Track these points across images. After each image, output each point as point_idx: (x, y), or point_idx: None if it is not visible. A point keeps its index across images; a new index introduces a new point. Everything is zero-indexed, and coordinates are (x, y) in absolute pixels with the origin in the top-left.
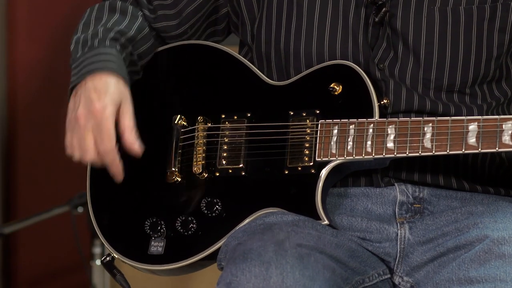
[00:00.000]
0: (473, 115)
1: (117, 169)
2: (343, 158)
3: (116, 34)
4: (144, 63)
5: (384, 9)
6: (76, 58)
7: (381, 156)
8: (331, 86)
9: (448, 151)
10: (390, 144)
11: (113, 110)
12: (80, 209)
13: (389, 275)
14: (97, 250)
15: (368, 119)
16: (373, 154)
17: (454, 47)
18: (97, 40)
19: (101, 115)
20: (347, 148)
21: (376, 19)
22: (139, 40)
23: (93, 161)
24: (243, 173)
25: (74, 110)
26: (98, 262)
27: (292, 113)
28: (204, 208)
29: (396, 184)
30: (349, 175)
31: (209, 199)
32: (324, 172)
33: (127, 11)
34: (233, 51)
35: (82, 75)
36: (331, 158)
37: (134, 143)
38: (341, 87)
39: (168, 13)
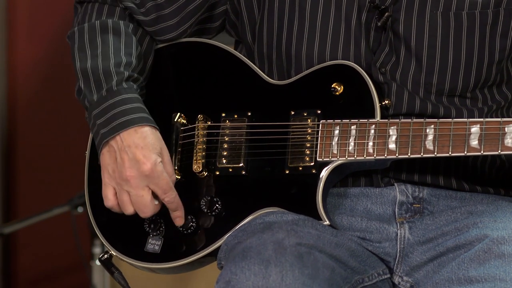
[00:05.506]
0: (474, 118)
1: (181, 212)
2: (344, 158)
3: (126, 69)
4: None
5: (386, 13)
6: (93, 101)
7: (383, 157)
8: (333, 86)
9: (450, 153)
10: (391, 145)
11: (161, 162)
12: (80, 209)
13: (388, 275)
14: (97, 250)
15: (370, 120)
16: (375, 155)
17: (456, 52)
18: (114, 82)
19: (155, 173)
20: (348, 149)
21: (379, 24)
22: (140, 63)
23: (153, 214)
24: (244, 172)
25: (117, 168)
26: (98, 262)
27: (293, 113)
28: (204, 207)
29: (396, 184)
30: (349, 175)
31: (209, 198)
32: (325, 173)
33: (119, 29)
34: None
35: (114, 128)
36: (332, 159)
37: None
38: (342, 87)
39: (163, 13)
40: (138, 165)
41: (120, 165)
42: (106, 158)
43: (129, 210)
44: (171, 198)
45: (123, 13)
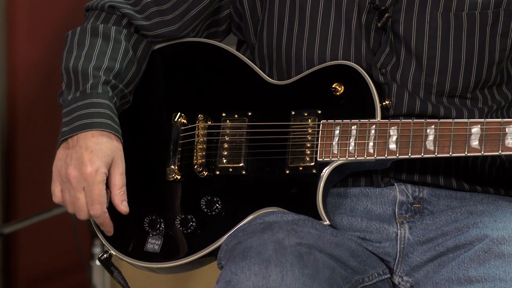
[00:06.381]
0: (475, 118)
1: (108, 228)
2: (344, 158)
3: (105, 74)
4: (133, 87)
5: (386, 14)
6: (67, 100)
7: (383, 157)
8: (333, 86)
9: (450, 153)
10: (392, 146)
11: (104, 173)
12: None
13: (388, 275)
14: (97, 250)
15: (370, 120)
16: (375, 155)
17: (457, 53)
18: (89, 85)
19: (93, 179)
20: (349, 149)
21: (379, 25)
22: (125, 70)
23: (86, 218)
24: (244, 172)
25: (64, 165)
26: (98, 262)
27: (293, 113)
28: (204, 207)
29: (396, 184)
30: (349, 175)
31: (209, 198)
32: (325, 173)
33: (109, 35)
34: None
35: (74, 128)
36: (332, 159)
37: (120, 203)
38: (343, 87)
39: (165, 19)
40: (81, 166)
41: (67, 163)
42: (59, 153)
43: (69, 209)
44: (96, 212)
45: (119, 21)
